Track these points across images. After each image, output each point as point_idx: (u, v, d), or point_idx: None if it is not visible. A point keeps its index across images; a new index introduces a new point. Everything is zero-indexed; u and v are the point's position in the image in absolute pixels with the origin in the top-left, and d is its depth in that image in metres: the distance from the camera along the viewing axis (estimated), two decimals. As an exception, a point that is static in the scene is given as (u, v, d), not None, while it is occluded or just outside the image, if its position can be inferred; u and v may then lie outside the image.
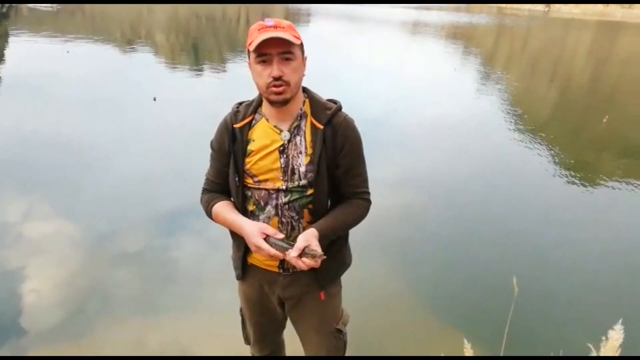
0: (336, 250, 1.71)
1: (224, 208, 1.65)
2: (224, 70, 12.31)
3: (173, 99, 8.76)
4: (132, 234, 4.19)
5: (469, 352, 1.46)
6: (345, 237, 1.78)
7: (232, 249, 1.81)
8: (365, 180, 1.68)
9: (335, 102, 1.67)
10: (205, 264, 3.78)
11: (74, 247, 3.94)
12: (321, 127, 1.58)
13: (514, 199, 5.40)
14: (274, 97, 1.51)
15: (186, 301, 3.33)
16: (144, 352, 2.87)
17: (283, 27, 1.46)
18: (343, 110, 1.65)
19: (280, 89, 1.48)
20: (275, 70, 1.46)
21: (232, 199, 1.70)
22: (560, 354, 2.32)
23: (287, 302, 1.76)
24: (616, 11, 56.34)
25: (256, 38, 1.44)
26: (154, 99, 8.32)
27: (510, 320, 1.98)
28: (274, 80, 1.47)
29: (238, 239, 1.69)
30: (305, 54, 1.59)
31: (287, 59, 1.47)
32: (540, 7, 63.58)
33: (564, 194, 5.63)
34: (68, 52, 12.77)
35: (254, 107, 1.64)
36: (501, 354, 1.95)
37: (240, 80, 10.36)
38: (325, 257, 1.45)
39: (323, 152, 1.57)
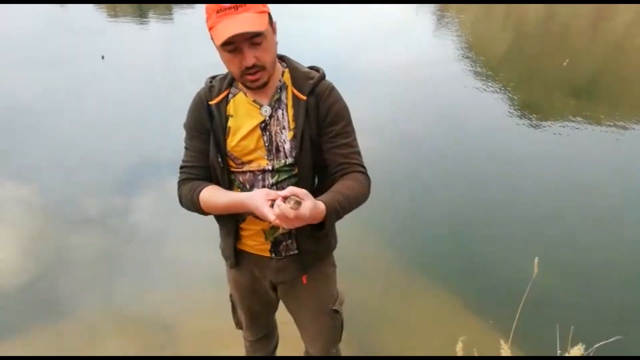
0: (323, 233, 1.55)
1: (214, 192, 1.45)
2: (171, 20, 11.64)
3: (122, 57, 8.26)
4: (86, 194, 4.09)
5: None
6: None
7: (220, 237, 1.66)
8: (357, 153, 1.49)
9: (317, 69, 1.51)
10: (167, 221, 3.74)
11: (31, 210, 3.85)
12: (304, 97, 1.42)
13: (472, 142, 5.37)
14: (251, 85, 1.36)
15: (151, 261, 3.32)
16: (111, 313, 2.87)
17: (244, 5, 1.26)
18: (327, 78, 1.49)
19: (257, 75, 1.34)
20: (247, 59, 1.29)
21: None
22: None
23: (280, 286, 1.67)
24: None
25: (216, 26, 1.26)
26: (102, 58, 7.81)
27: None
28: (248, 69, 1.31)
29: (226, 225, 1.57)
30: (274, 20, 1.39)
31: (258, 43, 1.30)
32: None
33: (523, 135, 5.62)
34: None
35: (229, 79, 1.47)
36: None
37: (191, 32, 9.84)
38: (299, 204, 1.17)
39: (306, 125, 1.42)
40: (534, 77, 8.16)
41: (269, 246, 1.56)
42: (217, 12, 1.27)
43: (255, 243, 1.57)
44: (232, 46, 1.29)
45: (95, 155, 4.78)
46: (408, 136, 5.33)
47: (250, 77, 1.34)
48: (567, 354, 1.56)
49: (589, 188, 4.35)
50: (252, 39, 1.28)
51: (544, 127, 5.71)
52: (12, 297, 2.99)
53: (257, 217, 1.49)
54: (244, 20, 1.26)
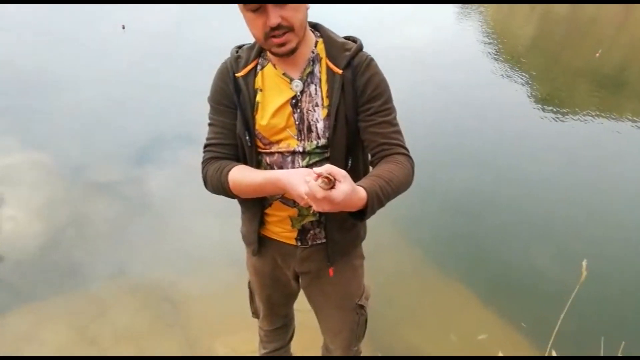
0: (351, 223, 1.41)
1: (244, 171, 1.29)
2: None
3: (142, 28, 8.15)
4: (104, 164, 4.06)
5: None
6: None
7: (242, 221, 1.54)
8: (398, 132, 1.32)
9: (354, 39, 1.35)
10: (181, 192, 3.68)
11: (47, 176, 3.84)
12: (340, 71, 1.27)
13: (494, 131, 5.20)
14: (277, 50, 1.20)
15: (165, 233, 3.28)
16: (122, 285, 2.83)
17: None
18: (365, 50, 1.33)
19: (283, 37, 1.18)
20: (271, 18, 1.14)
21: None
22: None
23: (303, 276, 1.54)
24: None
25: None
26: (123, 27, 7.70)
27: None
28: (273, 29, 1.16)
29: (250, 209, 1.44)
30: None
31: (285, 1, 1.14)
32: None
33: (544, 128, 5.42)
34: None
35: (258, 49, 1.32)
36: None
37: (209, 11, 9.70)
38: (331, 185, 1.01)
39: (342, 103, 1.28)
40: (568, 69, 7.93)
41: (295, 234, 1.43)
42: None
43: (280, 230, 1.45)
44: (255, 5, 1.14)
45: (112, 126, 4.72)
46: (429, 126, 5.15)
47: (276, 40, 1.18)
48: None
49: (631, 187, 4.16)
50: None
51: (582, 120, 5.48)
52: (25, 264, 2.96)
53: (285, 202, 1.36)
54: None
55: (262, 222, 1.46)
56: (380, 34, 9.11)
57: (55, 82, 5.69)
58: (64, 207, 3.48)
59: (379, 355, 2.40)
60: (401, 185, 1.24)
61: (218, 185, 1.32)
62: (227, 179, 1.29)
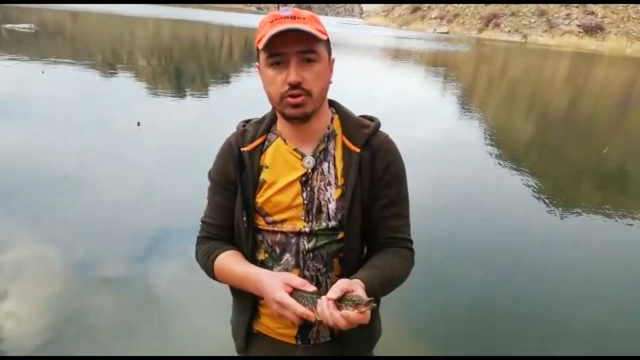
0: None
1: (230, 259, 1.24)
2: (207, 96, 12.06)
3: (157, 125, 8.47)
4: (112, 258, 4.00)
5: None
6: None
7: (232, 311, 1.43)
8: (407, 225, 1.31)
9: (372, 119, 1.33)
10: (187, 289, 3.59)
11: (53, 271, 3.75)
12: (357, 150, 1.23)
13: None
14: (290, 111, 1.17)
15: (168, 328, 3.17)
16: None
17: (303, 18, 1.12)
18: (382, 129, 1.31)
19: (299, 99, 1.14)
20: (292, 74, 1.12)
21: (237, 247, 1.32)
22: None
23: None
24: (590, 43, 58.12)
25: (268, 32, 1.10)
26: (138, 124, 8.02)
27: None
28: (291, 88, 1.13)
29: (241, 299, 1.33)
30: (333, 56, 1.23)
31: (309, 61, 1.14)
32: (517, 38, 65.28)
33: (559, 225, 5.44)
34: (43, 72, 12.29)
35: (267, 124, 1.29)
36: None
37: (223, 108, 10.17)
38: (375, 305, 0.99)
39: (358, 183, 1.22)
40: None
41: (295, 331, 1.30)
42: (271, 22, 1.13)
43: (277, 325, 1.31)
44: (278, 57, 1.12)
45: (121, 219, 4.73)
46: (431, 223, 5.16)
47: (291, 100, 1.15)
48: None
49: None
50: (305, 54, 1.13)
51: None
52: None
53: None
54: (301, 24, 1.11)
55: (255, 315, 1.34)
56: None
57: (68, 176, 5.78)
58: (67, 302, 3.39)
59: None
60: (399, 279, 1.24)
61: (205, 269, 1.30)
62: (213, 265, 1.26)
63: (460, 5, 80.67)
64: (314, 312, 1.05)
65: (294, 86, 1.13)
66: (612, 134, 11.31)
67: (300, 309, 1.06)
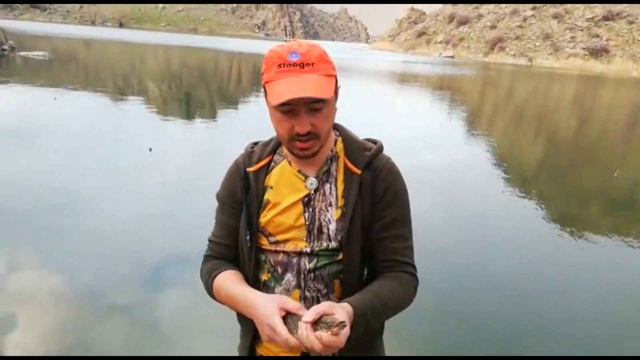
0: (369, 341, 1.32)
1: (228, 280, 1.25)
2: (216, 121, 12.22)
3: (168, 150, 8.59)
4: (121, 286, 3.99)
5: None
6: (381, 325, 1.36)
7: (239, 335, 1.43)
8: (410, 248, 1.30)
9: (374, 141, 1.35)
10: (196, 317, 3.56)
11: (61, 298, 3.74)
12: (358, 171, 1.25)
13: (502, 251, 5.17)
14: (299, 153, 1.21)
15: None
16: None
17: (312, 64, 1.14)
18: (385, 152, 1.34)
19: (308, 143, 1.19)
20: (303, 125, 1.15)
21: (241, 267, 1.34)
22: None
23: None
24: (595, 66, 58.36)
25: (274, 82, 1.15)
26: (150, 150, 8.14)
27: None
28: (300, 135, 1.17)
29: (244, 323, 1.34)
30: (339, 84, 1.26)
31: (318, 109, 1.17)
32: (522, 61, 65.69)
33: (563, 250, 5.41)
34: (55, 99, 12.54)
35: (273, 146, 1.33)
36: None
37: (232, 134, 10.28)
38: (345, 326, 0.99)
39: (359, 204, 1.24)
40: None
41: (298, 353, 1.28)
42: (279, 67, 1.15)
43: (279, 350, 1.30)
44: (287, 107, 1.15)
45: (130, 246, 4.74)
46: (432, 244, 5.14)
47: (300, 145, 1.19)
48: None
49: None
50: (313, 104, 1.16)
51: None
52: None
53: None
54: (309, 83, 1.13)
55: (257, 338, 1.32)
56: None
57: (80, 201, 5.83)
58: (74, 331, 3.37)
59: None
60: (398, 305, 1.23)
61: (205, 288, 1.32)
62: (212, 284, 1.28)
63: (466, 29, 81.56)
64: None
65: (304, 134, 1.18)
66: (622, 158, 11.25)
67: (292, 340, 1.04)
